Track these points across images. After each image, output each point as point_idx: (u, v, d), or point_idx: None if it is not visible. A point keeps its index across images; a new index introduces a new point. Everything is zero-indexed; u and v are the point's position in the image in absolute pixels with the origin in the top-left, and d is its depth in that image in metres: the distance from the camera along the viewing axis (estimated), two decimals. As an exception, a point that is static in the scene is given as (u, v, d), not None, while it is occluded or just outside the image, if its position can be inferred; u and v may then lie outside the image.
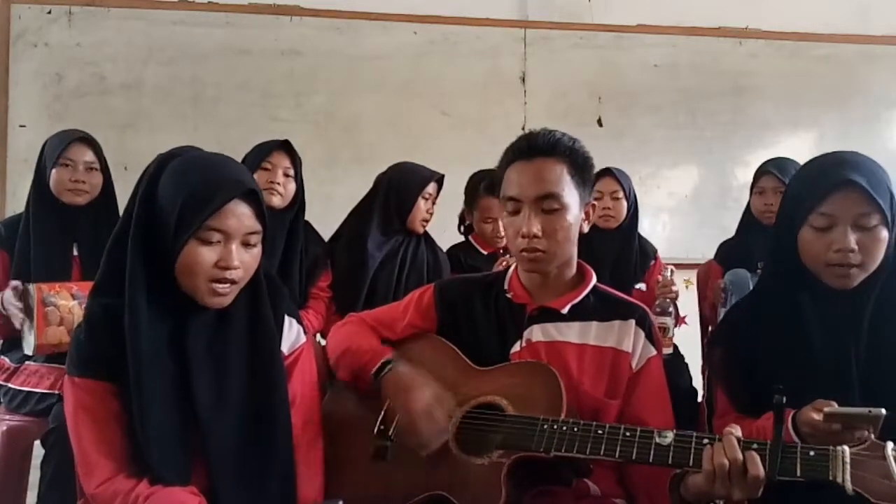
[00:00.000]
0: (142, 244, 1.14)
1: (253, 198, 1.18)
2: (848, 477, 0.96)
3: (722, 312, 2.22)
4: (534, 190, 1.31)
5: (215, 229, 1.13)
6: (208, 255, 1.13)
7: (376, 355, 1.38)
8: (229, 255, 1.14)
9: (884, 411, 1.00)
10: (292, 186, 2.25)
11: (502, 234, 2.44)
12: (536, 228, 1.30)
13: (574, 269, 1.42)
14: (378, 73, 3.56)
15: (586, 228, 1.39)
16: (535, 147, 1.34)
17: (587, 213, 1.39)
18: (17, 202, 3.21)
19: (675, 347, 2.27)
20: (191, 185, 1.13)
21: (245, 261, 1.17)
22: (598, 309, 1.38)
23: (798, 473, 0.99)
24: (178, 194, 1.13)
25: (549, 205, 1.31)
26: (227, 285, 1.16)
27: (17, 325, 1.86)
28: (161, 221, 1.14)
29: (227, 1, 3.50)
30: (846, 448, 0.98)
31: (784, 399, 1.01)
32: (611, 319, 1.37)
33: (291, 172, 2.25)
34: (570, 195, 1.32)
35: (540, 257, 1.33)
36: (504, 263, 2.22)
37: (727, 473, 1.02)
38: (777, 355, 1.26)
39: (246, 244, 1.17)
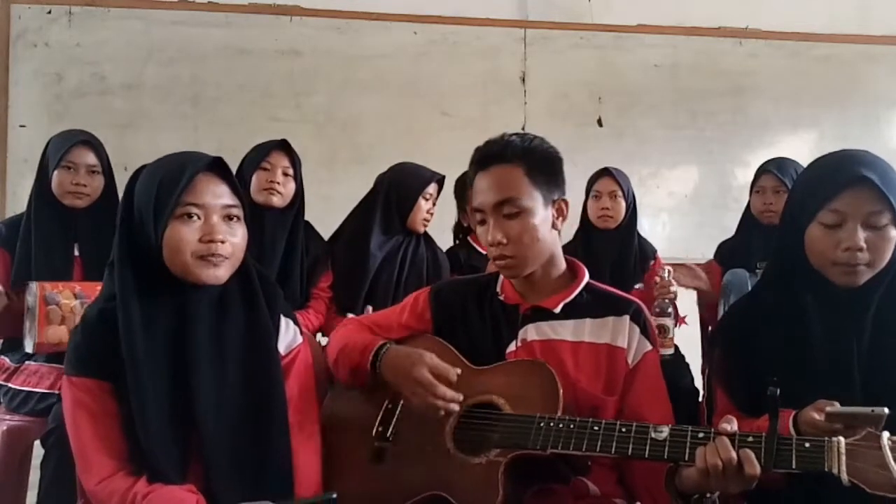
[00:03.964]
0: (128, 248, 1.17)
1: (224, 173, 1.21)
2: (844, 468, 0.95)
3: (721, 311, 2.22)
4: (491, 197, 1.33)
5: (192, 204, 1.16)
6: (190, 232, 1.16)
7: (370, 344, 1.38)
8: (212, 229, 1.16)
9: (886, 411, 0.99)
10: (292, 186, 2.26)
11: None
12: (500, 236, 1.31)
13: (562, 268, 1.42)
14: (378, 73, 3.56)
15: (561, 225, 1.39)
16: (487, 155, 1.36)
17: (559, 210, 1.38)
18: (17, 202, 3.22)
19: (676, 348, 2.27)
20: (161, 173, 1.17)
21: (231, 238, 1.19)
22: (591, 306, 1.38)
23: (794, 465, 0.99)
24: (151, 187, 1.16)
25: (508, 210, 1.32)
26: (217, 258, 1.17)
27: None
28: (141, 221, 1.16)
29: (227, 1, 3.50)
30: (842, 439, 0.97)
31: (778, 391, 1.01)
32: (605, 316, 1.36)
33: (291, 172, 2.25)
34: (530, 197, 1.32)
35: (510, 263, 1.33)
36: None
37: (721, 472, 1.02)
38: (778, 355, 1.25)
39: (227, 218, 1.19)
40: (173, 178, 1.15)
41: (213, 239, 1.16)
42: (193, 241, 1.15)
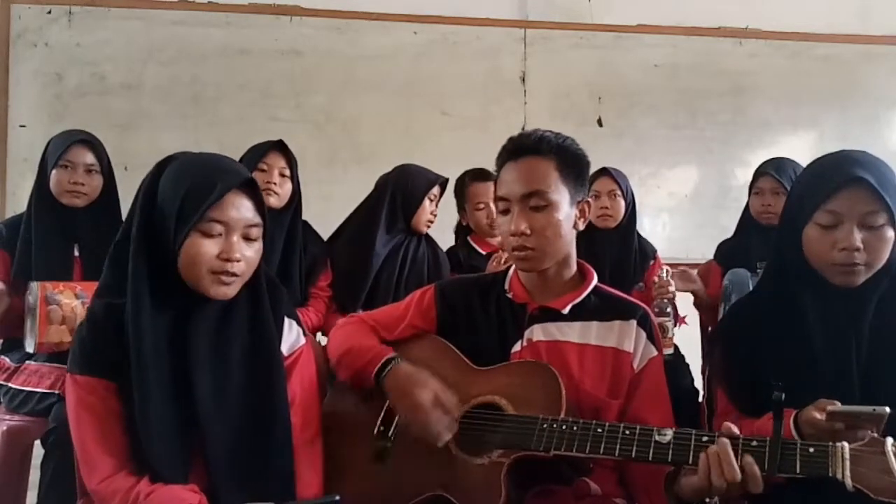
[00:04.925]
0: (144, 244, 1.15)
1: (252, 191, 1.20)
2: (848, 473, 0.95)
3: (722, 312, 2.22)
4: (520, 188, 1.32)
5: (216, 220, 1.15)
6: (210, 247, 1.15)
7: (377, 355, 1.37)
8: (231, 247, 1.16)
9: (888, 410, 0.99)
10: (289, 186, 2.25)
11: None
12: (524, 226, 1.31)
13: (574, 269, 1.42)
14: (378, 73, 3.56)
15: (581, 226, 1.39)
16: (521, 146, 1.35)
17: (582, 211, 1.38)
18: (17, 202, 3.22)
19: (676, 348, 2.27)
20: (190, 180, 1.15)
21: (247, 255, 1.18)
22: (599, 309, 1.38)
23: (798, 470, 0.99)
24: (178, 190, 1.14)
25: (536, 202, 1.32)
26: (230, 276, 1.16)
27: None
28: (163, 220, 1.15)
29: (227, 1, 3.50)
30: (846, 444, 0.98)
31: (783, 396, 1.01)
32: (612, 319, 1.37)
33: (287, 172, 2.24)
34: (559, 192, 1.32)
35: (530, 255, 1.33)
36: (495, 263, 2.23)
37: (724, 490, 1.02)
38: (778, 354, 1.25)
39: (247, 238, 1.19)
40: (202, 191, 1.13)
41: (230, 258, 1.15)
42: (211, 257, 1.15)
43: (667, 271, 2.26)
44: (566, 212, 1.33)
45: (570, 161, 1.35)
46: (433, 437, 1.25)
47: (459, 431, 1.27)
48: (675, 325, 2.21)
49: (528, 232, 1.31)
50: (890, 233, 1.20)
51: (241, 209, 1.17)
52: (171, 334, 1.16)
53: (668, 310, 2.15)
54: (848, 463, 0.96)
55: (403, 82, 3.58)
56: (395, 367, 1.34)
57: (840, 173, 1.21)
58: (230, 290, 1.18)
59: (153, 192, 1.17)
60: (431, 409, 1.25)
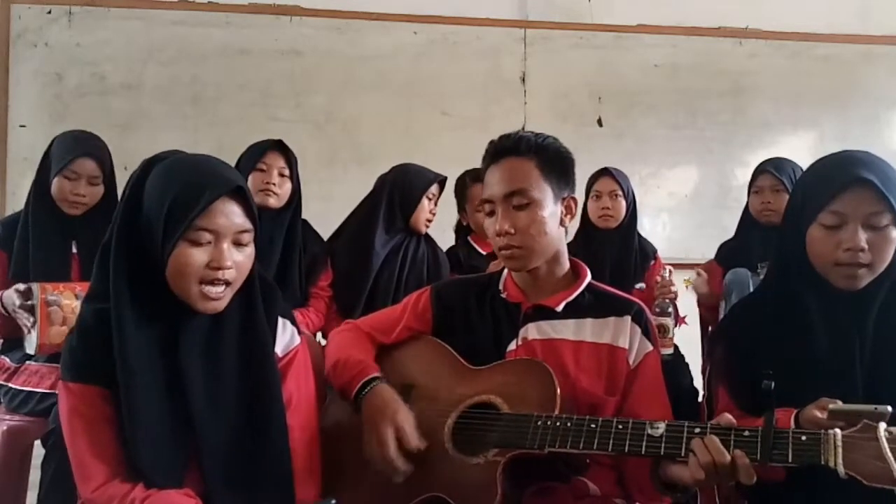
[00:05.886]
0: (126, 251, 1.12)
1: (241, 196, 1.16)
2: (840, 460, 0.95)
3: (723, 311, 2.23)
4: (502, 188, 1.34)
5: (204, 229, 1.11)
6: (199, 256, 1.11)
7: (360, 373, 1.36)
8: (220, 255, 1.12)
9: (890, 409, 0.98)
10: (288, 186, 2.24)
11: None
12: (508, 225, 1.32)
13: (566, 267, 1.42)
14: (378, 73, 3.57)
15: (569, 223, 1.40)
16: (501, 149, 1.37)
17: (568, 207, 1.39)
18: (17, 202, 3.22)
19: (676, 348, 2.27)
20: (177, 187, 1.11)
21: (238, 261, 1.15)
22: (593, 306, 1.38)
23: (790, 459, 0.99)
24: (164, 197, 1.10)
25: (518, 201, 1.33)
26: (221, 288, 1.13)
27: (24, 328, 1.85)
28: (148, 226, 1.12)
29: (227, 1, 3.51)
30: (838, 431, 0.97)
31: (773, 384, 1.01)
32: (606, 316, 1.37)
33: (287, 172, 2.23)
34: (541, 190, 1.33)
35: (517, 254, 1.34)
36: (496, 263, 2.23)
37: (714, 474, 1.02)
38: (780, 354, 1.24)
39: (237, 244, 1.15)
40: (189, 199, 1.09)
41: (220, 266, 1.12)
42: (200, 267, 1.11)
43: (669, 271, 2.25)
44: (550, 209, 1.34)
45: (551, 158, 1.36)
46: (383, 467, 1.24)
47: (456, 432, 1.27)
48: (676, 325, 2.21)
49: (513, 231, 1.32)
50: (894, 233, 1.19)
51: (231, 216, 1.13)
52: (161, 342, 1.13)
53: (670, 309, 2.15)
54: (840, 450, 0.95)
55: (403, 82, 3.59)
56: (374, 389, 1.32)
57: (844, 174, 1.20)
58: (220, 304, 1.15)
59: (138, 196, 1.13)
60: (388, 449, 1.23)
